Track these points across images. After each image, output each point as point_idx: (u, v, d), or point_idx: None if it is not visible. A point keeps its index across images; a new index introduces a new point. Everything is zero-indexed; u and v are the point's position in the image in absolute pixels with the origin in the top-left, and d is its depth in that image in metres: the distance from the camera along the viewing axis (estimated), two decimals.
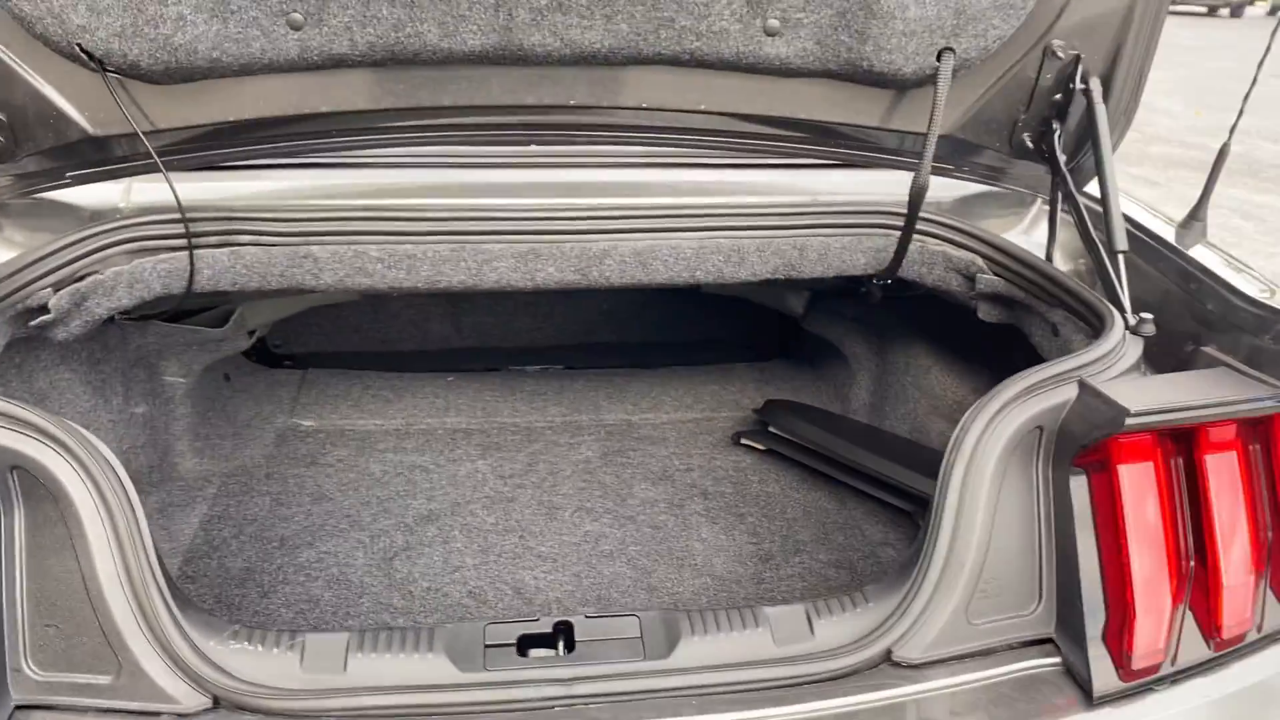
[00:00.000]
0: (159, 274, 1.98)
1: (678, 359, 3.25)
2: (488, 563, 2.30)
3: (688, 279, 2.12)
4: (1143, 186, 8.53)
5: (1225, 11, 29.02)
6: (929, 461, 2.44)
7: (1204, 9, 29.23)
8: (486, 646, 1.49)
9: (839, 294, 2.82)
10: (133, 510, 1.41)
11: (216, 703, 1.39)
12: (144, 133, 1.82)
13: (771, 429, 2.72)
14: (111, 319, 2.20)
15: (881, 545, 2.37)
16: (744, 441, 2.78)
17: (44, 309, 1.82)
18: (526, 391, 3.09)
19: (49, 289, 1.83)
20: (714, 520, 2.47)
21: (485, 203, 2.04)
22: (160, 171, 1.86)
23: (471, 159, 2.17)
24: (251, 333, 2.77)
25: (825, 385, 3.05)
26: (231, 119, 1.88)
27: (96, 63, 1.74)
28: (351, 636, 1.48)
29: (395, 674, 1.44)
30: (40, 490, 1.39)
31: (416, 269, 2.02)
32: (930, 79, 1.90)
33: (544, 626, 1.53)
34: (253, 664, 1.43)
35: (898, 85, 1.94)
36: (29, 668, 1.38)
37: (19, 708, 1.38)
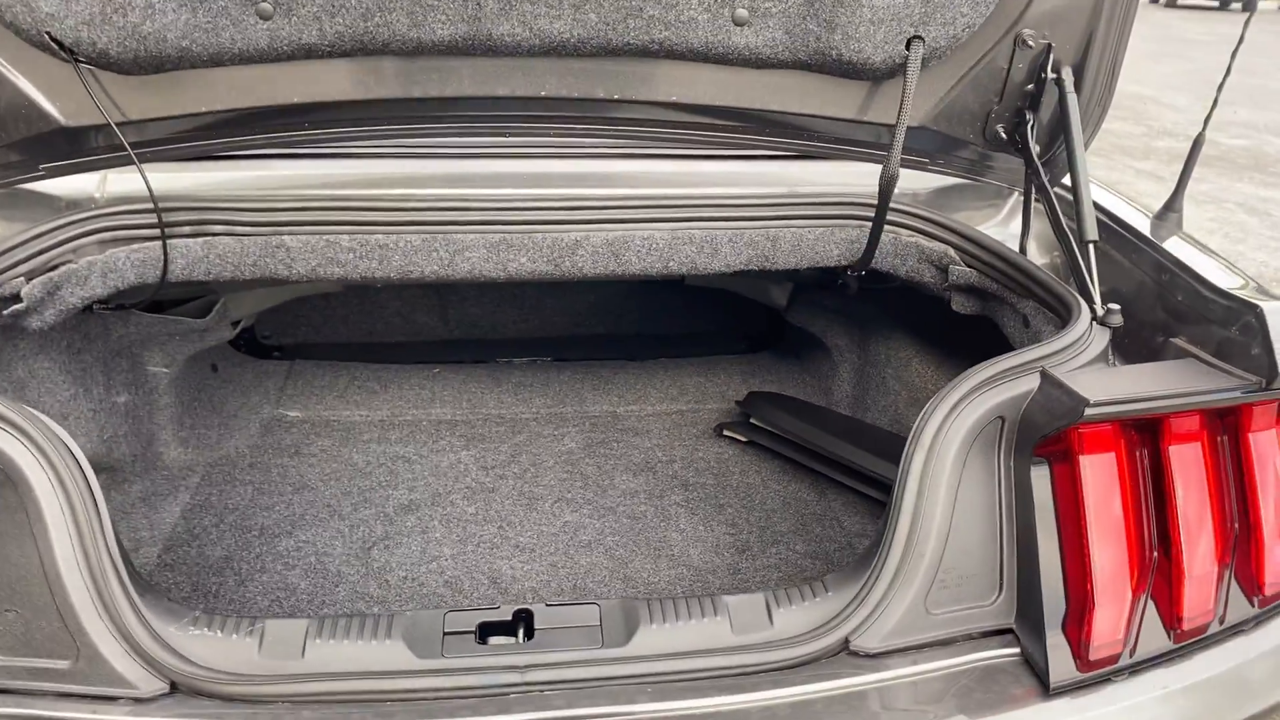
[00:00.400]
0: (133, 263, 1.99)
1: (664, 351, 3.26)
2: (465, 553, 2.30)
3: (661, 270, 2.12)
4: (1148, 180, 8.49)
5: (1237, 5, 28.78)
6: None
7: (1215, 3, 29.02)
8: (446, 634, 1.49)
9: (821, 286, 2.82)
10: (92, 497, 1.42)
11: (173, 687, 1.40)
12: (116, 123, 1.83)
13: (753, 420, 2.72)
14: (89, 309, 2.21)
15: (858, 536, 2.36)
16: (726, 433, 2.78)
17: (16, 298, 1.83)
18: (513, 383, 3.10)
19: (21, 278, 1.84)
20: (693, 511, 2.47)
21: (457, 193, 2.05)
22: (133, 162, 1.87)
23: (443, 150, 2.18)
24: (236, 323, 2.78)
25: (809, 377, 3.04)
26: (203, 110, 1.89)
27: (67, 52, 1.75)
28: (311, 623, 1.49)
29: (352, 660, 1.45)
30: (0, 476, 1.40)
31: (388, 259, 2.03)
32: (901, 69, 1.89)
33: (504, 614, 1.53)
34: (211, 649, 1.44)
35: (868, 75, 1.93)
36: None
37: None
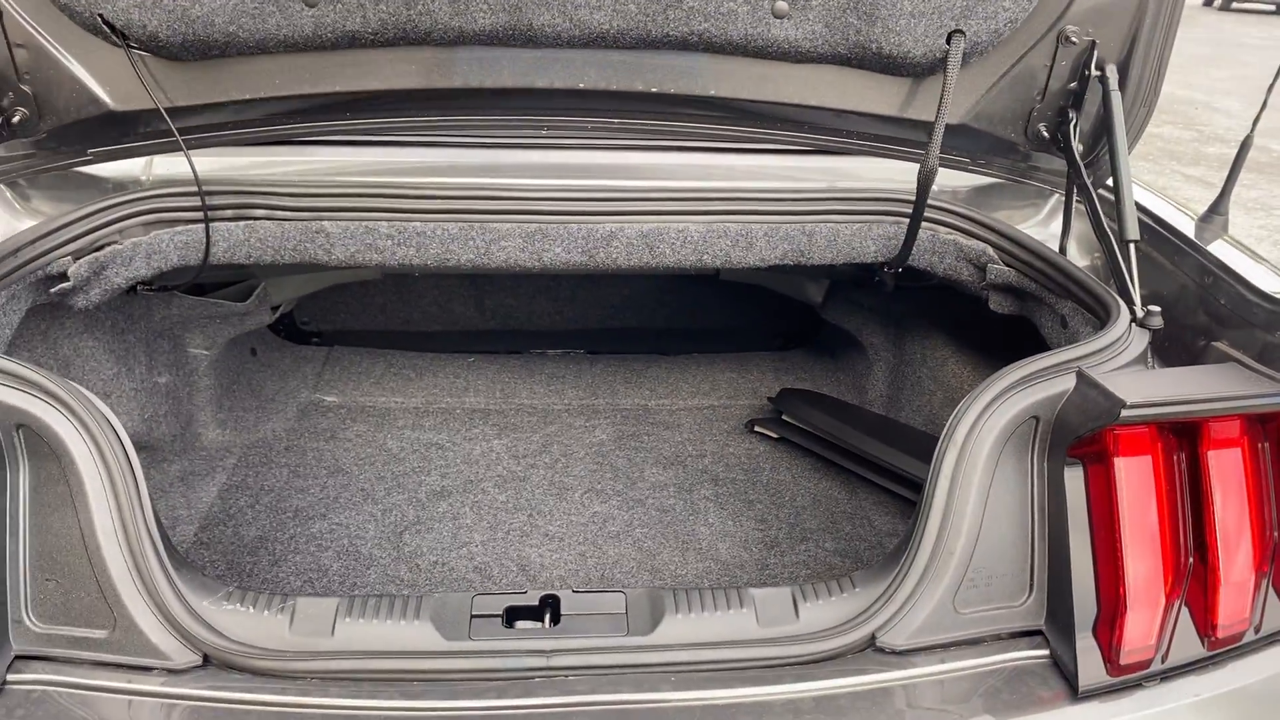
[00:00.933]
0: (176, 245, 2.03)
1: (697, 346, 3.25)
2: (495, 539, 2.32)
3: (695, 263, 2.12)
4: (1196, 186, 8.33)
5: None
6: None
7: (1273, 6, 28.35)
8: (473, 617, 1.51)
9: (858, 284, 2.80)
10: (131, 470, 1.45)
11: (206, 660, 1.43)
12: (164, 109, 1.86)
13: (785, 417, 2.71)
14: (133, 289, 2.25)
15: (889, 535, 2.35)
16: (757, 429, 2.77)
17: (63, 276, 1.88)
18: (546, 374, 3.11)
19: (68, 258, 1.88)
20: (722, 506, 2.47)
21: (495, 182, 2.06)
22: (179, 148, 1.91)
23: (482, 140, 2.19)
24: (275, 308, 2.82)
25: (843, 375, 3.03)
26: (248, 97, 1.92)
27: (119, 35, 1.78)
28: (341, 601, 1.51)
29: (380, 639, 1.47)
30: (43, 448, 1.44)
31: (426, 247, 2.05)
32: (941, 64, 1.87)
33: (531, 600, 1.54)
34: (243, 624, 1.46)
35: (908, 70, 1.92)
36: (29, 619, 1.43)
37: (19, 658, 1.43)
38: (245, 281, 2.67)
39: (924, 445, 2.46)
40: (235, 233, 2.04)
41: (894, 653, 1.47)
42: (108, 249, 1.95)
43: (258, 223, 2.03)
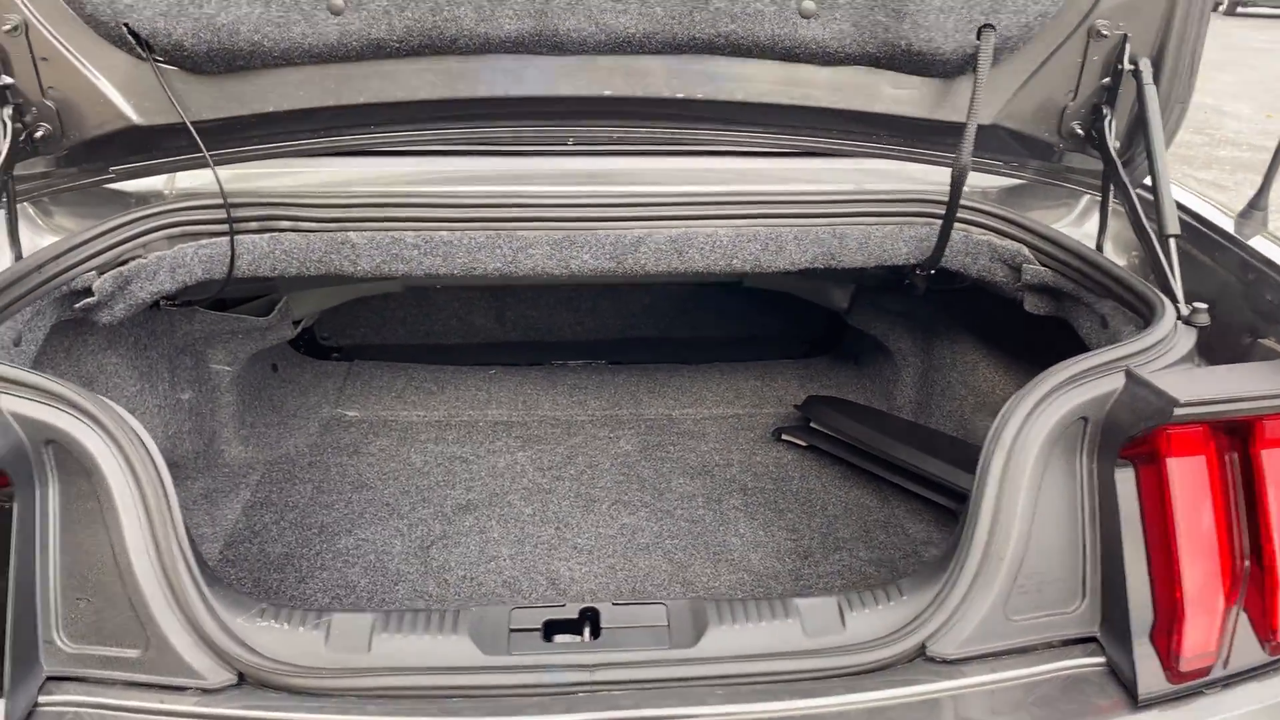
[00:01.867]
0: (200, 258, 2.01)
1: (719, 355, 3.22)
2: (523, 553, 2.29)
3: (724, 267, 2.09)
4: (1211, 190, 8.28)
5: None
6: (975, 459, 2.38)
7: (1279, 10, 28.30)
8: (511, 631, 1.48)
9: (884, 288, 2.77)
10: (163, 486, 1.43)
11: (241, 679, 1.39)
12: (190, 123, 1.85)
13: (813, 425, 2.67)
14: (156, 304, 2.23)
15: (924, 544, 2.31)
16: (785, 437, 2.74)
17: (88, 291, 1.86)
18: (568, 385, 3.08)
19: (92, 272, 1.86)
20: (752, 516, 2.43)
21: (521, 190, 2.04)
22: (204, 161, 1.89)
23: (507, 147, 2.17)
24: (296, 322, 2.80)
25: (869, 382, 2.99)
26: (272, 110, 1.90)
27: (144, 45, 1.77)
28: (377, 617, 1.48)
29: (419, 655, 1.43)
30: (73, 464, 1.41)
31: (452, 256, 2.02)
32: (971, 61, 1.85)
33: (570, 612, 1.51)
34: (278, 642, 1.43)
35: (937, 69, 1.89)
36: (60, 639, 1.40)
37: (50, 679, 1.40)
38: (267, 296, 2.65)
39: (960, 451, 2.43)
40: (260, 245, 2.02)
41: (945, 662, 1.44)
42: (132, 263, 1.93)
43: (283, 235, 2.00)
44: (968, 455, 2.38)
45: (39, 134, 1.85)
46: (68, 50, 1.81)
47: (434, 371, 3.11)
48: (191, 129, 1.85)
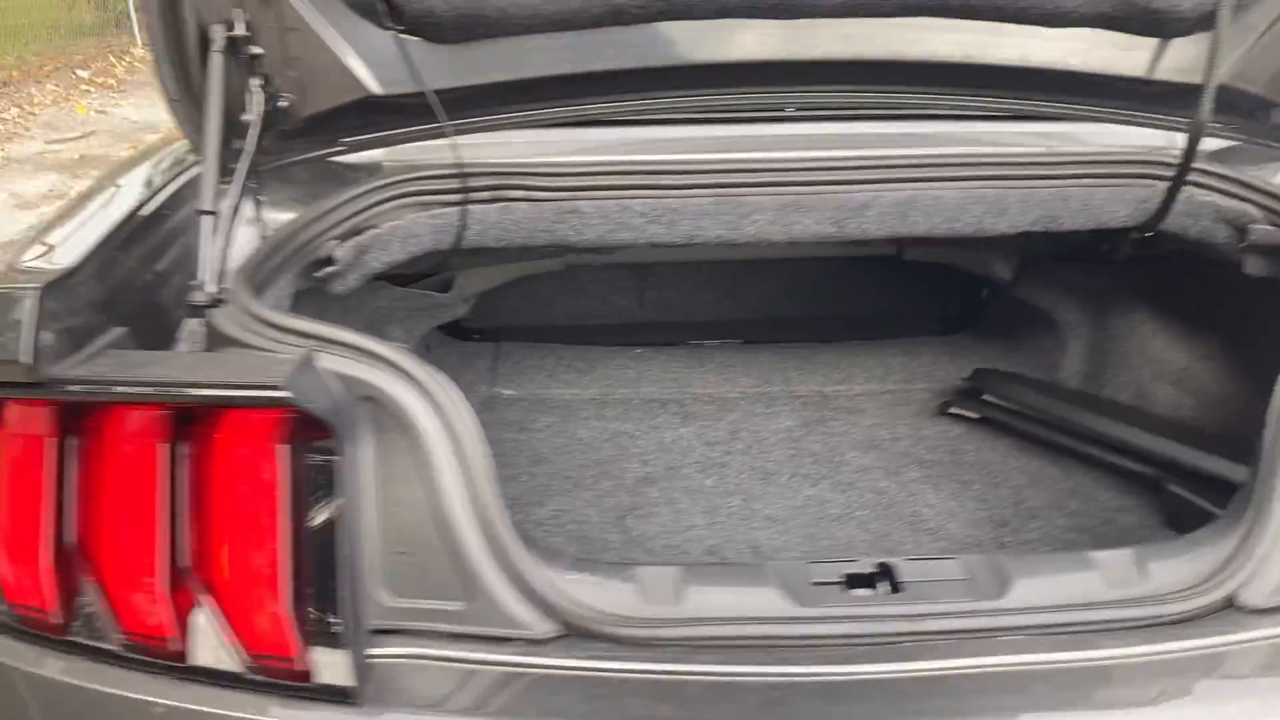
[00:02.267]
0: (430, 229, 2.02)
1: (857, 333, 3.23)
2: (717, 522, 2.30)
3: (946, 230, 2.10)
4: None
5: None
6: (1164, 425, 2.39)
7: None
8: (812, 584, 1.49)
9: (1055, 258, 2.77)
10: (479, 441, 1.44)
11: (566, 629, 1.41)
12: (430, 91, 1.86)
13: (986, 397, 2.68)
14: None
15: (1119, 511, 2.32)
16: (953, 410, 2.74)
17: (330, 260, 1.88)
18: (715, 364, 3.09)
19: (334, 240, 1.88)
20: (937, 487, 2.44)
21: (749, 156, 2.05)
22: (439, 132, 1.91)
23: (728, 114, 2.17)
24: (467, 300, 2.82)
25: (1024, 356, 2.99)
26: (511, 78, 1.92)
27: (394, 13, 1.79)
28: (678, 570, 1.49)
29: (730, 606, 1.45)
30: (389, 421, 1.43)
31: (676, 223, 2.04)
32: (1209, 18, 1.85)
33: (865, 566, 1.52)
34: (593, 594, 1.44)
35: (1172, 27, 1.89)
36: (383, 594, 1.42)
37: (374, 632, 1.41)
38: (440, 274, 2.67)
39: (1142, 418, 2.44)
40: (490, 215, 2.03)
41: (1255, 611, 1.45)
42: (367, 233, 1.94)
43: (514, 204, 2.02)
44: (1154, 421, 2.40)
45: (282, 104, 1.87)
46: (315, 20, 1.83)
47: (581, 351, 3.13)
48: (433, 98, 1.87)
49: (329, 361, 1.42)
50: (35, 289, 1.38)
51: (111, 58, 13.33)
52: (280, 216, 1.86)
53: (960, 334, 3.24)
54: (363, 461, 1.43)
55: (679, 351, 3.17)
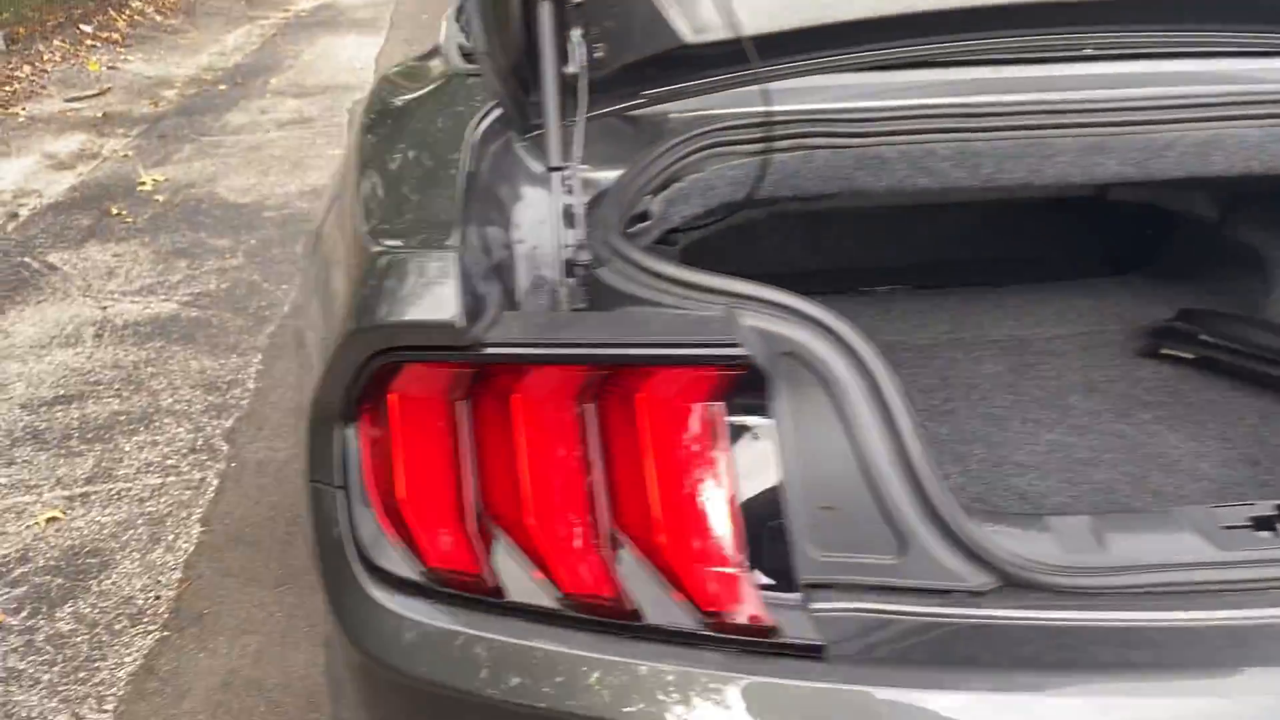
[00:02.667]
0: (727, 180, 1.98)
1: (1028, 276, 3.22)
2: (970, 469, 2.30)
3: (1242, 169, 2.08)
4: None
5: None
6: None
7: None
8: (1223, 527, 1.49)
9: (1267, 196, 2.76)
10: (900, 395, 1.42)
11: (1004, 580, 1.41)
12: (747, 38, 1.81)
13: (1203, 336, 2.68)
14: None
15: None
16: (1165, 351, 2.74)
17: (645, 215, 1.84)
18: (898, 310, 3.07)
19: (649, 195, 1.84)
20: (1174, 428, 2.45)
21: (1051, 97, 2.01)
22: (749, 80, 1.86)
23: (1031, 53, 2.13)
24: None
25: (1223, 295, 2.98)
26: (811, 24, 1.86)
27: None
28: (1087, 520, 1.49)
29: (1155, 553, 1.45)
30: (807, 375, 1.41)
31: (978, 167, 2.01)
32: None
33: (1264, 509, 1.52)
34: (1021, 544, 1.44)
35: None
36: (810, 549, 1.41)
37: (806, 586, 1.40)
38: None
39: None
40: (789, 164, 1.99)
41: None
42: (673, 186, 1.90)
43: (814, 152, 1.98)
44: None
45: (598, 54, 1.80)
46: None
47: None
48: (748, 46, 1.81)
49: (750, 318, 1.39)
50: (455, 249, 1.34)
51: (111, 11, 12.93)
52: (594, 174, 1.81)
53: (1131, 275, 3.23)
54: (782, 416, 1.41)
55: (857, 299, 3.14)
